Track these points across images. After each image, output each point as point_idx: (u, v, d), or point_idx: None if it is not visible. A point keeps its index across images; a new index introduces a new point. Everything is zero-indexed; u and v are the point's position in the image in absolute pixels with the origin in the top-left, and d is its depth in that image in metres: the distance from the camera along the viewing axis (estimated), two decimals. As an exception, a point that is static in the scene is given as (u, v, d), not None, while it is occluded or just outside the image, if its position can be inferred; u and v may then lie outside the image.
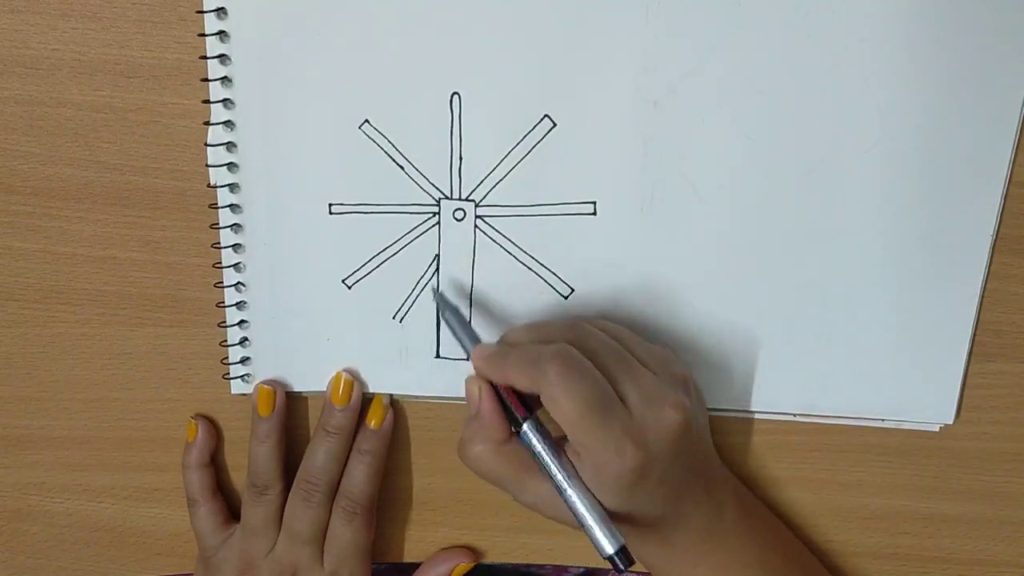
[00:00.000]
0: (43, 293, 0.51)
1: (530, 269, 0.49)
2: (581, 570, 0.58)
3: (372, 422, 0.51)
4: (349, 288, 0.50)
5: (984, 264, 0.48)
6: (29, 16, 0.46)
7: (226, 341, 0.51)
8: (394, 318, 0.50)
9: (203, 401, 0.53)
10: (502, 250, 0.49)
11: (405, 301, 0.50)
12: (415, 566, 0.55)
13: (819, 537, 0.54)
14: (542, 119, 0.46)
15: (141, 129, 0.47)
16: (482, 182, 0.48)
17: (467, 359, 0.46)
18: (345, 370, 0.51)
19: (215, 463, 0.53)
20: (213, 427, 0.53)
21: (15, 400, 0.53)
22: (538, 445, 0.43)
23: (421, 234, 0.49)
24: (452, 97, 0.46)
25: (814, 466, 0.52)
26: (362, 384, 0.51)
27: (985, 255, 0.48)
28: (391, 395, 0.52)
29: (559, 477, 0.43)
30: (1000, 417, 0.51)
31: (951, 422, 0.51)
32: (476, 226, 0.49)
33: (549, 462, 0.43)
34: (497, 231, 0.49)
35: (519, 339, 0.46)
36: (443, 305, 0.48)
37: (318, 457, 0.51)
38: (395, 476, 0.54)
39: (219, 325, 0.51)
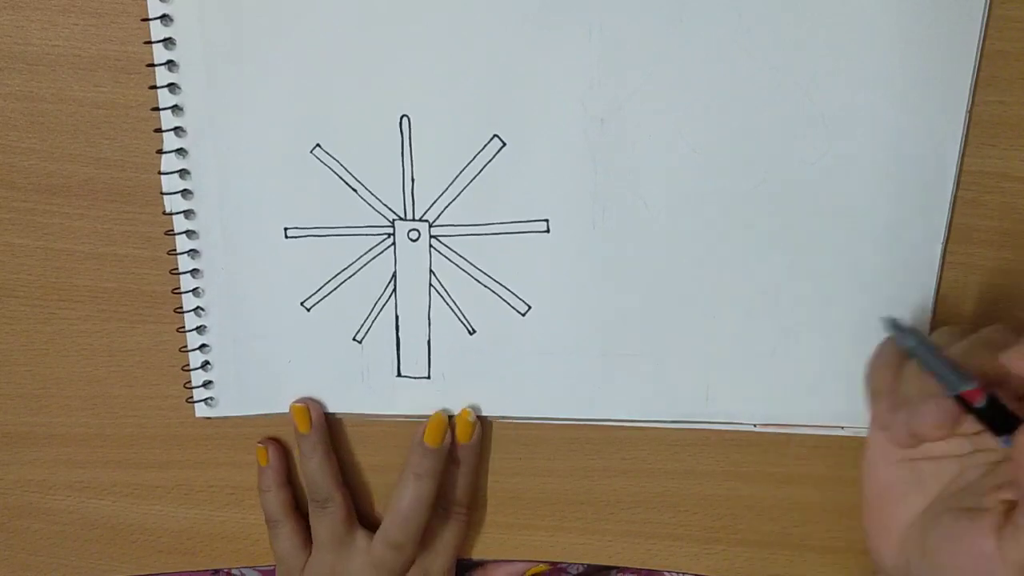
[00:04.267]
0: (43, 290, 0.51)
1: (486, 287, 0.49)
2: (580, 568, 0.58)
3: (462, 439, 0.51)
4: (308, 310, 0.50)
5: (936, 267, 0.48)
6: (30, 12, 0.46)
7: (188, 366, 0.51)
8: (354, 339, 0.50)
9: (202, 397, 0.53)
10: (458, 269, 0.49)
11: (364, 322, 0.50)
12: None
13: (823, 534, 0.53)
14: (491, 139, 0.47)
15: (142, 125, 0.48)
16: (435, 202, 0.48)
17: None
18: (444, 410, 0.51)
19: (292, 484, 0.53)
20: (282, 448, 0.53)
21: (15, 397, 0.53)
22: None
23: (377, 255, 0.49)
24: (402, 119, 0.47)
25: (818, 463, 0.52)
26: None
27: (937, 257, 0.47)
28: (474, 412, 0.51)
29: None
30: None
31: None
32: (431, 246, 0.49)
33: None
34: (452, 250, 0.49)
35: None
36: (913, 340, 0.42)
37: (403, 505, 0.51)
38: (395, 475, 0.54)
39: (180, 350, 0.51)
